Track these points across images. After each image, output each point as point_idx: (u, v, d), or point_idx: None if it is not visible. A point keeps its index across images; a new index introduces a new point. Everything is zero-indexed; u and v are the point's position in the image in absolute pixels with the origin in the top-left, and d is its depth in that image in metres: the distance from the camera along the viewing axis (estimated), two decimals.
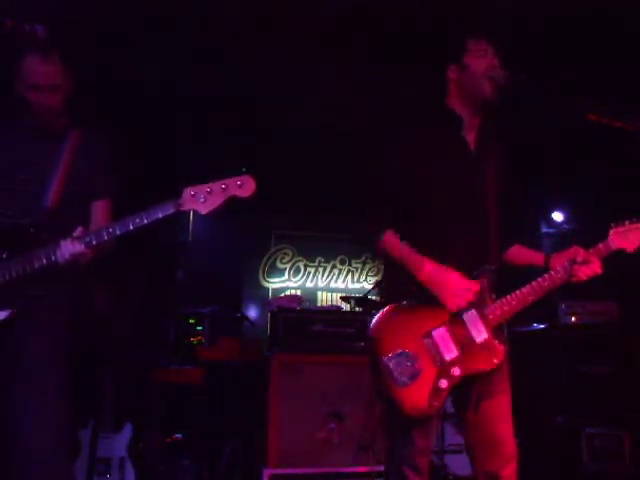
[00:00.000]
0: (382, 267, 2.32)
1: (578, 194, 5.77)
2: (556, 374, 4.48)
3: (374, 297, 4.94)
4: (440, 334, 1.99)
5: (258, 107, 4.80)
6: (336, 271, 7.15)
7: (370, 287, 5.63)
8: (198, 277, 5.49)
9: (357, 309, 4.82)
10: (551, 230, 6.38)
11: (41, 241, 2.06)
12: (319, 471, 3.71)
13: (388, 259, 2.13)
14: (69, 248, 1.99)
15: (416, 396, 1.92)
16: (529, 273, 2.16)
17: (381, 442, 3.79)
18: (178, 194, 1.98)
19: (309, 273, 7.08)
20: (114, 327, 4.11)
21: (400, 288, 2.08)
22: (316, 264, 7.11)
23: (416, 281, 2.02)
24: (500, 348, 1.99)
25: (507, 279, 2.20)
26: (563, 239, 6.02)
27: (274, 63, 4.26)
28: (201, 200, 1.96)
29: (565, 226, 6.24)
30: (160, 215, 1.99)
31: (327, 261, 7.13)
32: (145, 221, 1.99)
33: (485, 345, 1.99)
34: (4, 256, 2.04)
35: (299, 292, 6.89)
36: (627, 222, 2.10)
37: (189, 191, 1.97)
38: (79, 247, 2.00)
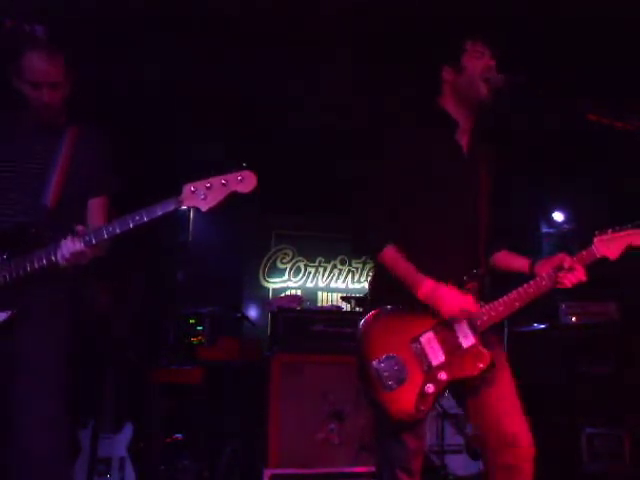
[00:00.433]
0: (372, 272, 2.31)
1: (578, 194, 5.77)
2: (556, 374, 4.48)
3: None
4: (427, 339, 2.00)
5: (258, 107, 4.80)
6: (336, 271, 7.15)
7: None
8: (198, 277, 5.49)
9: (357, 309, 4.82)
10: (551, 230, 6.39)
11: (41, 241, 2.05)
12: (319, 471, 3.71)
13: (378, 265, 2.12)
14: (69, 247, 1.97)
15: (403, 400, 1.93)
16: (518, 278, 2.17)
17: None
18: (178, 191, 1.95)
19: (309, 273, 7.08)
20: (114, 327, 4.11)
21: (388, 293, 2.07)
22: (316, 264, 7.11)
23: (404, 287, 2.02)
24: (487, 354, 1.98)
25: (496, 284, 2.22)
26: (563, 239, 6.02)
27: (274, 63, 4.26)
28: (201, 197, 1.93)
29: (565, 226, 6.24)
30: (160, 212, 1.96)
31: (327, 261, 7.14)
32: (145, 219, 1.96)
33: (472, 350, 1.99)
34: (5, 256, 2.03)
35: (299, 292, 6.89)
36: (610, 230, 2.11)
37: (189, 187, 1.94)
38: (79, 246, 1.98)
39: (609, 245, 2.10)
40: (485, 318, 2.03)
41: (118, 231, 1.98)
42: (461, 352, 1.99)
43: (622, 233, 2.10)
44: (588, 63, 3.88)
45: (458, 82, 2.16)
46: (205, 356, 4.46)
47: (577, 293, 4.56)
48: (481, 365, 1.97)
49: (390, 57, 4.08)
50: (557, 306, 4.55)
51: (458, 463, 4.13)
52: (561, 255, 2.11)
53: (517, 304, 2.06)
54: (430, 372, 1.96)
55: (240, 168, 1.96)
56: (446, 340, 2.00)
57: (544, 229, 6.47)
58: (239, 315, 5.28)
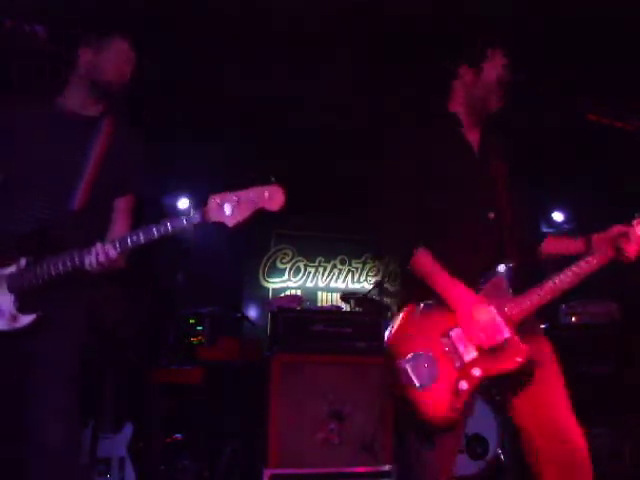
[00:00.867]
0: (398, 276, 2.27)
1: (578, 194, 5.77)
2: None
3: (374, 297, 4.94)
4: (458, 334, 1.91)
5: (258, 107, 4.80)
6: (336, 271, 7.15)
7: (370, 287, 5.62)
8: (198, 277, 5.49)
9: (357, 309, 4.82)
10: (551, 230, 6.39)
11: (67, 245, 2.01)
12: (319, 471, 3.71)
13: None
14: (101, 254, 1.94)
15: (436, 399, 1.84)
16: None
17: (382, 442, 3.80)
18: (204, 202, 1.89)
19: (309, 273, 7.08)
20: (120, 329, 4.10)
21: (416, 291, 2.01)
22: (316, 264, 7.11)
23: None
24: (524, 347, 1.87)
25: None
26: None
27: (274, 63, 4.26)
28: (227, 212, 1.85)
29: (565, 226, 6.25)
30: (185, 224, 1.91)
31: (327, 261, 7.14)
32: (170, 229, 1.92)
33: (506, 344, 1.88)
34: (30, 260, 2.01)
35: (299, 292, 6.90)
36: None
37: (215, 199, 1.87)
38: (112, 253, 1.94)
39: None
40: (516, 310, 1.94)
41: (142, 241, 1.95)
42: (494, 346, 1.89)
43: None
44: (588, 62, 3.88)
45: (475, 84, 2.14)
46: (205, 356, 4.46)
47: (577, 293, 4.56)
48: (519, 359, 1.86)
49: (390, 57, 4.08)
50: (557, 306, 4.55)
51: (458, 463, 4.12)
52: (619, 226, 2.02)
53: (559, 291, 2.00)
54: (463, 368, 1.87)
55: (268, 182, 1.88)
56: None
57: (544, 229, 6.48)
58: (239, 315, 5.28)
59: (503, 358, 1.88)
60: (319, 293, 7.11)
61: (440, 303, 1.96)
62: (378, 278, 7.01)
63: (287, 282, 7.00)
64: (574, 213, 6.21)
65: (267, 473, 3.63)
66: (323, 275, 7.12)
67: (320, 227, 6.94)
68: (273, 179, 1.89)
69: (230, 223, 1.87)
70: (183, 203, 6.18)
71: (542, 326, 2.15)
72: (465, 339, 1.90)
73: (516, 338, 1.89)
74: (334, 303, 6.80)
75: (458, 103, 2.19)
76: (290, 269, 7.03)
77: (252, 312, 6.60)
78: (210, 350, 4.55)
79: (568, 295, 4.75)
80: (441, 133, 2.14)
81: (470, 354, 1.89)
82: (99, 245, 1.96)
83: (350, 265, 7.20)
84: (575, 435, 1.95)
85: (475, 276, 1.98)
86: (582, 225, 5.86)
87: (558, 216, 6.34)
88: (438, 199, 2.07)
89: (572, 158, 5.08)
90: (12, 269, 2.02)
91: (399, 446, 3.68)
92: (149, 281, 4.92)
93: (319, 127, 4.98)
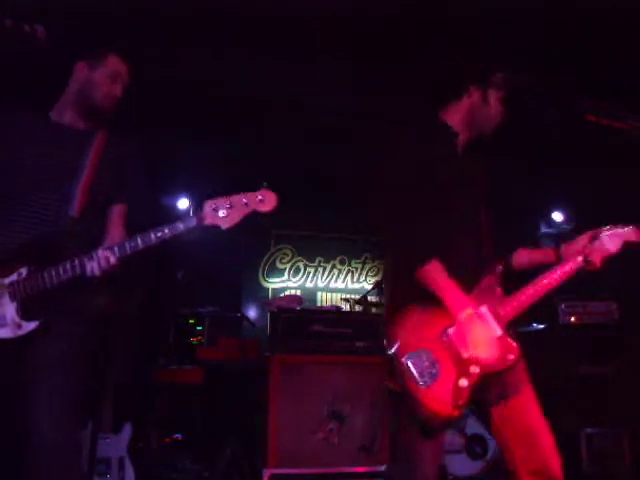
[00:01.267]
0: (384, 272, 2.32)
1: (578, 194, 5.77)
2: (556, 374, 4.48)
3: (374, 297, 4.94)
4: (455, 332, 1.96)
5: (258, 107, 4.80)
6: (336, 271, 7.15)
7: (370, 287, 5.62)
8: (198, 277, 5.49)
9: (357, 309, 4.82)
10: (551, 230, 6.39)
11: (67, 252, 2.04)
12: (319, 471, 3.71)
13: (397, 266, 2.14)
14: (102, 261, 1.98)
15: (439, 396, 1.88)
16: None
17: (381, 442, 3.80)
18: (200, 207, 1.98)
19: (309, 273, 7.08)
20: (117, 329, 4.10)
21: (413, 292, 2.04)
22: (316, 264, 7.10)
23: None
24: (514, 345, 1.96)
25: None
26: (563, 239, 6.01)
27: (274, 63, 4.26)
28: (222, 215, 1.96)
29: (565, 226, 6.25)
30: (182, 228, 1.99)
31: (327, 261, 7.13)
32: (167, 234, 1.99)
33: (500, 342, 1.96)
34: (31, 269, 2.03)
35: (299, 292, 6.89)
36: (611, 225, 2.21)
37: (210, 204, 1.97)
38: (113, 260, 1.99)
39: (609, 240, 2.17)
40: (508, 308, 2.02)
41: (141, 246, 2.00)
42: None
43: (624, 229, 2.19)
44: (588, 61, 3.88)
45: (479, 108, 2.22)
46: (205, 356, 4.46)
47: (577, 293, 4.56)
48: (511, 356, 1.95)
49: (390, 57, 4.08)
50: (557, 306, 4.55)
51: (458, 463, 4.12)
52: (586, 234, 2.19)
53: (543, 292, 2.07)
54: (462, 366, 1.92)
55: (260, 187, 2.00)
56: None
57: (544, 229, 6.48)
58: (239, 315, 5.28)
59: (497, 356, 1.94)
60: (319, 293, 7.10)
61: (437, 304, 1.99)
62: (378, 278, 7.00)
63: (287, 282, 7.00)
64: (574, 213, 6.21)
65: (267, 473, 3.63)
66: (323, 275, 7.12)
67: (320, 227, 6.94)
68: (265, 184, 2.01)
69: (224, 226, 1.97)
70: (183, 203, 6.17)
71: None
72: (462, 337, 1.95)
73: (507, 337, 1.97)
74: (334, 303, 6.80)
75: (457, 115, 2.25)
76: (290, 269, 7.03)
77: (252, 312, 6.59)
78: (210, 350, 4.55)
79: (568, 295, 4.73)
80: (435, 142, 2.19)
81: (467, 352, 1.94)
82: (100, 251, 2.00)
83: (350, 265, 7.20)
84: (548, 442, 2.00)
85: (468, 276, 2.04)
86: (582, 225, 5.85)
87: (558, 216, 6.33)
88: (431, 203, 2.11)
89: (572, 158, 5.07)
90: (14, 278, 2.04)
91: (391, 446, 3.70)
92: (144, 278, 4.91)
93: (319, 127, 4.98)
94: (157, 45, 3.97)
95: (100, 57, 2.29)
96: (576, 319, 4.54)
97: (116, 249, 2.01)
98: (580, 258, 2.13)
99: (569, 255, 2.17)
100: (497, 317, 1.99)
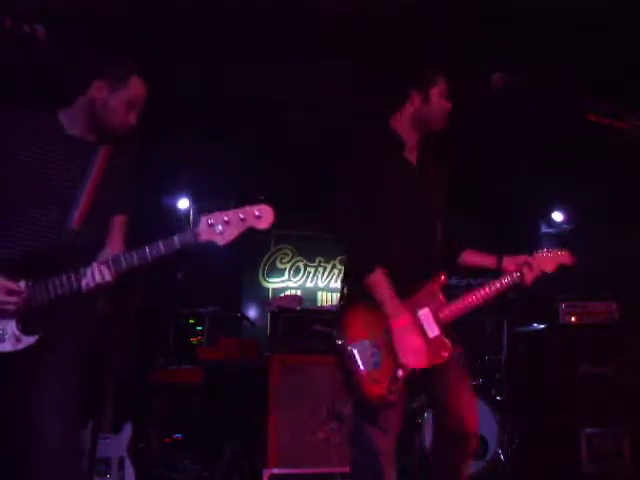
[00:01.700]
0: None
1: (578, 194, 5.77)
2: (556, 374, 4.48)
3: None
4: (393, 337, 2.19)
5: (258, 107, 4.80)
6: (336, 271, 7.15)
7: None
8: (198, 277, 5.49)
9: None
10: (551, 230, 6.39)
11: (65, 265, 2.02)
12: (319, 471, 3.72)
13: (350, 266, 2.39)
14: (97, 277, 1.96)
15: (377, 382, 2.15)
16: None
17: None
18: (196, 222, 1.97)
19: (309, 273, 7.08)
20: (117, 329, 4.10)
21: (361, 290, 2.27)
22: (316, 264, 7.11)
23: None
24: (449, 344, 2.24)
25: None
26: (563, 239, 6.02)
27: (275, 63, 4.26)
28: (218, 231, 1.95)
29: (565, 226, 6.24)
30: (177, 244, 1.97)
31: (327, 261, 7.14)
32: (163, 250, 1.97)
33: (436, 340, 2.23)
34: (29, 283, 2.01)
35: (299, 292, 6.90)
36: (545, 250, 2.46)
37: (206, 219, 1.95)
38: (107, 276, 1.97)
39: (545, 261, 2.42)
40: (447, 312, 2.28)
41: (136, 262, 1.99)
42: (427, 342, 2.23)
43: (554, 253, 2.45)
44: (588, 61, 3.88)
45: (422, 110, 2.36)
46: (205, 356, 4.46)
47: (577, 293, 4.56)
48: (445, 353, 2.22)
49: (390, 57, 4.08)
50: (557, 306, 4.55)
51: None
52: (524, 256, 2.42)
53: (480, 301, 2.33)
54: (399, 360, 2.17)
55: (258, 202, 1.99)
56: None
57: (544, 229, 6.47)
58: (239, 315, 5.28)
59: (432, 353, 2.22)
60: (319, 293, 7.11)
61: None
62: None
63: (287, 282, 7.00)
64: (574, 213, 6.20)
65: (267, 473, 3.63)
66: (323, 275, 7.12)
67: (320, 227, 6.94)
68: (262, 198, 2.05)
69: (221, 242, 1.97)
70: (183, 203, 6.16)
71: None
72: (396, 344, 2.19)
73: (443, 336, 2.25)
74: (334, 303, 6.80)
75: (404, 121, 2.39)
76: (290, 269, 7.03)
77: (252, 312, 6.59)
78: (210, 350, 4.55)
79: (568, 295, 4.73)
80: (384, 150, 2.35)
81: (399, 358, 2.18)
82: (95, 266, 1.97)
83: None
84: (471, 413, 2.26)
85: (412, 281, 2.27)
86: (582, 225, 5.85)
87: (558, 216, 6.33)
88: (380, 210, 2.31)
89: (572, 158, 5.07)
90: None
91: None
92: (140, 277, 4.91)
93: (319, 127, 4.98)
94: (157, 45, 3.97)
95: (123, 79, 2.17)
96: (576, 319, 4.53)
97: (111, 263, 1.99)
98: (516, 274, 2.38)
99: (507, 269, 2.40)
100: (437, 319, 2.26)
